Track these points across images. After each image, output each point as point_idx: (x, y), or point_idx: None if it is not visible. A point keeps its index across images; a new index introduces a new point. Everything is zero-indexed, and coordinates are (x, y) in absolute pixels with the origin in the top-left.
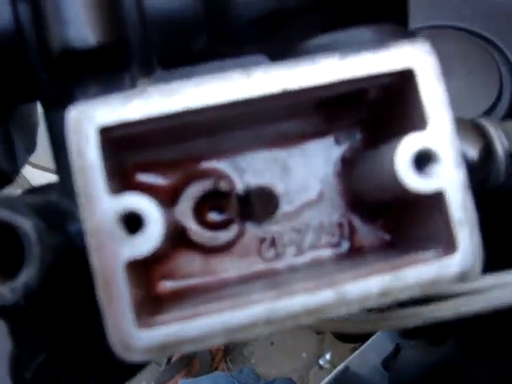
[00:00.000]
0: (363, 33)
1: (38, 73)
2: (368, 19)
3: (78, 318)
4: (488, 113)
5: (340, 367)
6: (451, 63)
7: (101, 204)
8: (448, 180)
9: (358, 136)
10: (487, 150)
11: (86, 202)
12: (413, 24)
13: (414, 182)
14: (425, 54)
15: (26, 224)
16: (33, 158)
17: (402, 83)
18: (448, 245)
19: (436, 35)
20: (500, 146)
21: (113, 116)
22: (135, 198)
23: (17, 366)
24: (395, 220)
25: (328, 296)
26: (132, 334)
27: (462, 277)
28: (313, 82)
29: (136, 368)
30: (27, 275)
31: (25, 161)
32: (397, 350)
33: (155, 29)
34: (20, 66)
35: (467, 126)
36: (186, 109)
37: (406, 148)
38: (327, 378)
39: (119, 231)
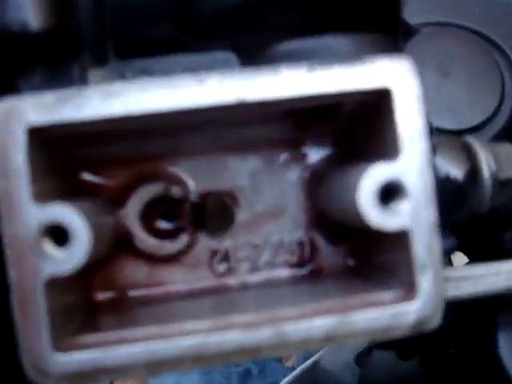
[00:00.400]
0: (341, 41)
1: None
2: (350, 26)
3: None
4: (488, 121)
5: (308, 362)
6: (452, 65)
7: (23, 213)
8: (415, 219)
9: (331, 148)
10: (473, 172)
11: (7, 210)
12: (415, 19)
13: (377, 217)
14: (405, 73)
15: None
16: None
17: (379, 101)
18: (408, 288)
19: (439, 33)
20: (487, 170)
21: (44, 117)
22: (61, 210)
23: None
24: (360, 246)
25: (266, 335)
26: (46, 358)
27: (419, 325)
28: (274, 95)
29: None
30: None
31: None
32: (371, 346)
33: (112, 11)
34: None
35: (455, 145)
36: (126, 114)
37: (371, 179)
38: (294, 373)
39: (41, 245)
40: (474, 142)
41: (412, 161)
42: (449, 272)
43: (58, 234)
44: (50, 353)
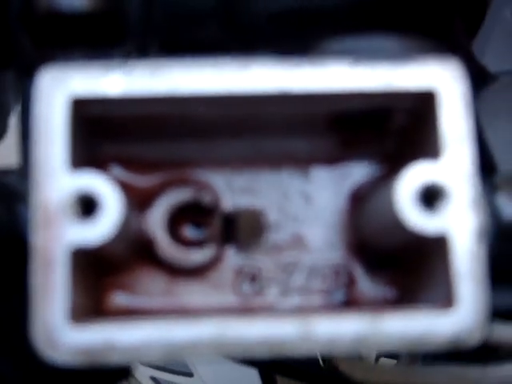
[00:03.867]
0: (391, 43)
1: (16, 35)
2: (402, 28)
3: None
4: None
5: None
6: None
7: (58, 178)
8: (456, 221)
9: (377, 170)
10: None
11: (41, 175)
12: (496, 66)
13: (415, 217)
14: (453, 75)
15: None
16: None
17: (424, 105)
18: (447, 298)
19: None
20: None
21: (88, 86)
22: (96, 179)
23: None
24: (402, 277)
25: (291, 330)
26: (61, 330)
27: (456, 339)
28: (317, 87)
29: None
30: None
31: None
32: None
33: (161, 6)
34: None
35: None
36: (171, 93)
37: (410, 178)
38: None
39: (71, 211)
40: None
41: (455, 162)
42: None
43: (90, 204)
44: (66, 324)
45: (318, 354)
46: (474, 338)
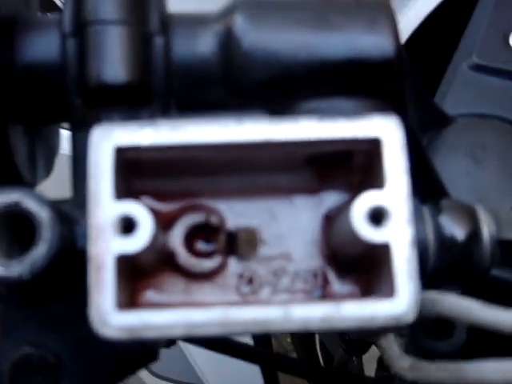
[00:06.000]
0: (348, 103)
1: (71, 99)
2: (356, 92)
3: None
4: None
5: None
6: (484, 153)
7: (105, 205)
8: (396, 234)
9: (345, 197)
10: (474, 232)
11: (94, 203)
12: (456, 109)
13: (365, 231)
14: (392, 127)
15: (43, 212)
16: None
17: (374, 149)
18: (389, 292)
19: (475, 123)
20: (487, 231)
21: (127, 138)
22: (134, 206)
23: None
24: (363, 277)
25: (275, 312)
26: (110, 314)
27: (397, 318)
28: (292, 137)
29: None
30: (36, 253)
31: (42, 179)
32: None
33: (177, 77)
34: (58, 91)
35: (461, 208)
36: (186, 142)
37: (362, 202)
38: None
39: (115, 230)
40: (478, 206)
41: (395, 189)
42: None
43: (129, 224)
44: (114, 309)
45: (296, 331)
46: (409, 318)
